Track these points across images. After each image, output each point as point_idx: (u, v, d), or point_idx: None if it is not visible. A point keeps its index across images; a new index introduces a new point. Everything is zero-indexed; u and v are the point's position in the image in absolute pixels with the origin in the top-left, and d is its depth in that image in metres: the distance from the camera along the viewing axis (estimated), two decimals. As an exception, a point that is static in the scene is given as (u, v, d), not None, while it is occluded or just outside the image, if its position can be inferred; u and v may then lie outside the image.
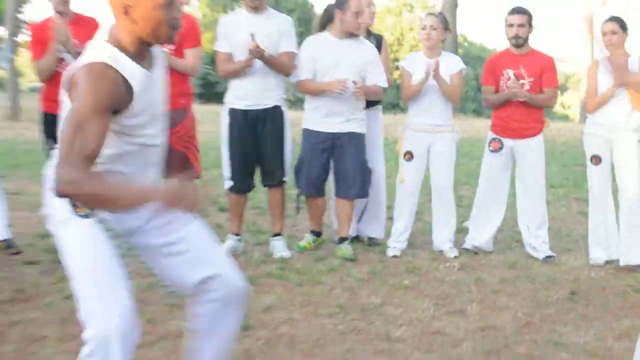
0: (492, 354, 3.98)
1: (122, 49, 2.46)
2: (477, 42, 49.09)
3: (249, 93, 5.94)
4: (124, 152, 2.57)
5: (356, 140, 6.11)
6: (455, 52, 22.09)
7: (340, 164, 6.11)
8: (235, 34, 5.95)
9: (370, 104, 6.33)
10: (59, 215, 2.56)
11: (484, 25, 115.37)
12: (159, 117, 2.72)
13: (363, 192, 6.16)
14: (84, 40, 5.73)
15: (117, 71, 2.39)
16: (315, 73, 6.04)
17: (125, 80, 2.40)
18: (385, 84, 6.19)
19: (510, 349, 4.05)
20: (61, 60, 5.68)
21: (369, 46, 6.18)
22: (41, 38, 5.77)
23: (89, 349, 2.43)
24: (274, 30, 5.94)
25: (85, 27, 5.72)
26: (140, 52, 2.54)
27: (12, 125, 16.35)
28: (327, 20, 6.17)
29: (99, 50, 2.44)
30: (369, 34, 6.55)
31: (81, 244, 2.53)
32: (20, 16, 21.10)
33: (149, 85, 2.57)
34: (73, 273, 2.53)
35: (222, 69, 6.11)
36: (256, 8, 5.95)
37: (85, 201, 2.41)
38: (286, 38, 6.01)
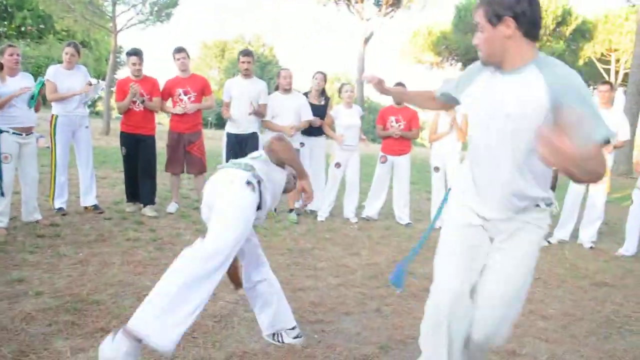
0: (374, 278, 4.07)
1: None
2: (375, 100, 49.65)
3: (239, 125, 5.95)
4: None
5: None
6: (362, 105, 22.22)
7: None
8: (233, 90, 6.00)
9: (316, 132, 6.34)
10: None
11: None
12: None
13: None
14: (147, 91, 5.76)
15: None
16: (274, 116, 6.07)
17: None
18: (310, 117, 6.09)
19: (384, 275, 4.12)
20: (134, 102, 5.69)
21: (299, 96, 6.18)
22: (122, 89, 5.74)
23: None
24: (256, 90, 5.97)
25: (148, 82, 5.80)
26: None
27: (105, 138, 16.29)
28: (277, 86, 6.23)
29: None
30: (323, 93, 6.47)
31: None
32: (115, 76, 21.43)
33: None
34: None
35: (225, 113, 6.11)
36: (247, 76, 6.01)
37: None
38: (263, 95, 6.02)
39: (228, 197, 2.36)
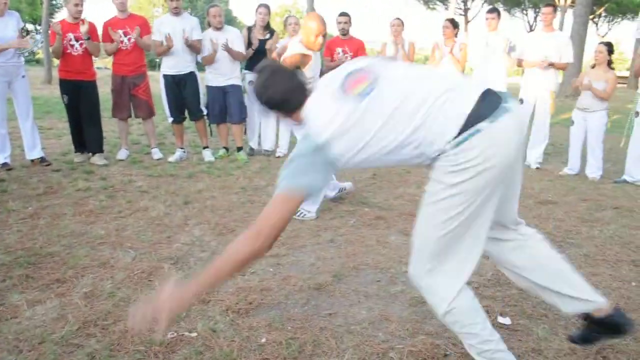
0: (327, 210, 4.11)
1: None
2: (327, 30, 48.66)
3: (175, 65, 5.83)
4: None
5: (237, 89, 6.12)
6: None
7: (230, 104, 6.08)
8: (165, 29, 5.78)
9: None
10: None
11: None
12: None
13: (242, 119, 6.19)
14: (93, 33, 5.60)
15: None
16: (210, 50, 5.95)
17: None
18: (243, 51, 6.05)
19: (337, 207, 4.21)
20: (71, 45, 5.49)
21: (232, 31, 6.11)
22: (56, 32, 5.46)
23: None
24: (188, 26, 5.81)
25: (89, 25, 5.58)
26: None
27: (47, 87, 15.76)
28: (208, 23, 6.07)
29: None
30: (267, 28, 6.33)
31: None
32: (51, 19, 20.39)
33: None
34: None
35: (157, 51, 5.87)
36: (177, 14, 5.83)
37: None
38: (196, 31, 5.89)
39: None
